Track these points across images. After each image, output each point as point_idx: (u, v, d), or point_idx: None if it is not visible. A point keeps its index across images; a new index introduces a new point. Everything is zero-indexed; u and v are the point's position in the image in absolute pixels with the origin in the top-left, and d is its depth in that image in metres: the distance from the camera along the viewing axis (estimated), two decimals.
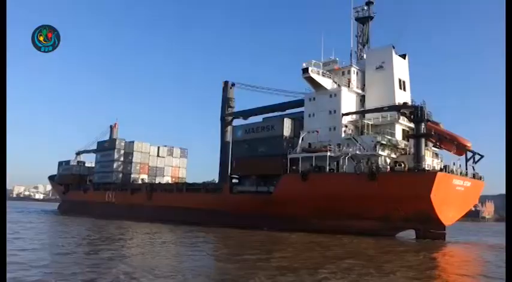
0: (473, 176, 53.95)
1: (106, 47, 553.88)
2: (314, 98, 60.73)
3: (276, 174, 58.36)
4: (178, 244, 37.20)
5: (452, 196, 49.12)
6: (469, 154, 54.57)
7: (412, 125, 55.76)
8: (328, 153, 53.93)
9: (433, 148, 56.84)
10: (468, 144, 53.78)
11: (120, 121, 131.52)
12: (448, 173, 48.84)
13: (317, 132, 57.87)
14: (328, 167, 54.00)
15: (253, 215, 57.76)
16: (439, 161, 55.84)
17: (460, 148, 53.73)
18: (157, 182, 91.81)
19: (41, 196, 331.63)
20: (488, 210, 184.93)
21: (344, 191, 50.04)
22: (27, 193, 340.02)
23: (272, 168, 58.90)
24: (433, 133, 51.71)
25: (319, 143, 57.50)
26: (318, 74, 58.86)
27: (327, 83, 59.30)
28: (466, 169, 53.46)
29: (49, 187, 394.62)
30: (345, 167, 52.43)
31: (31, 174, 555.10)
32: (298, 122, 62.03)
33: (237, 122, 79.69)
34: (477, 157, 54.32)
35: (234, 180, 68.61)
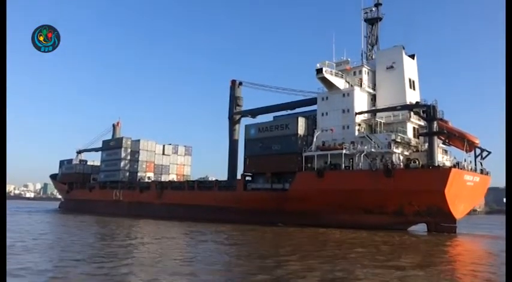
0: (481, 172, 56.58)
1: (107, 45, 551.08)
2: (327, 98, 62.59)
3: (291, 171, 60.14)
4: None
5: (463, 191, 51.58)
6: (477, 150, 57.19)
7: (422, 123, 58.24)
8: (344, 151, 55.94)
9: (442, 145, 59.26)
10: (476, 141, 56.27)
11: (122, 119, 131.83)
12: (460, 169, 51.28)
13: (331, 130, 59.77)
14: (343, 165, 56.01)
15: (268, 211, 59.57)
16: (448, 157, 58.24)
17: (469, 145, 56.13)
18: (162, 180, 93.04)
19: (32, 195, 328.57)
20: (479, 203, 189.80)
21: (360, 187, 52.10)
22: (17, 192, 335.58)
23: (287, 166, 60.64)
24: (444, 131, 54.01)
25: (333, 141, 59.49)
26: (331, 74, 60.74)
27: (340, 83, 61.22)
28: (475, 165, 55.99)
29: (39, 185, 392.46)
30: (360, 164, 54.44)
31: (20, 173, 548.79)
32: (310, 121, 63.87)
33: (245, 120, 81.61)
34: (485, 153, 57.00)
35: (246, 178, 70.00)
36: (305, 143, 61.34)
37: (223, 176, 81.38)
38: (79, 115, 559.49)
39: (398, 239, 41.64)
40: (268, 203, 60.87)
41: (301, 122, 62.42)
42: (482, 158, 56.96)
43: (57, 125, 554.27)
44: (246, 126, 69.85)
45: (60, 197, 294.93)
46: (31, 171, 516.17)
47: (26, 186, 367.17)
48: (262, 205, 61.38)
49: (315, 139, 60.24)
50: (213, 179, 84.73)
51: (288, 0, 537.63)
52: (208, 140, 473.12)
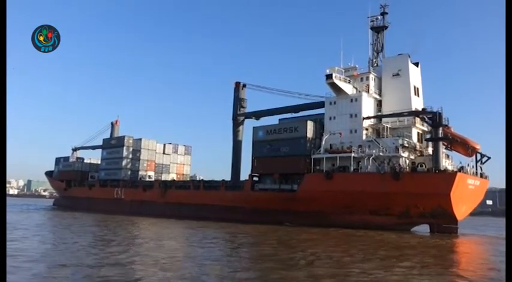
0: (481, 176, 59.62)
1: (107, 45, 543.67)
2: (335, 102, 64.78)
3: (299, 173, 62.10)
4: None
5: (466, 194, 54.48)
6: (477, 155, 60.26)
7: (425, 128, 61.00)
8: (352, 154, 58.17)
9: (444, 150, 62.00)
10: (477, 147, 59.28)
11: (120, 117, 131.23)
12: (464, 173, 54.10)
13: (340, 134, 61.96)
14: (351, 167, 58.26)
15: (275, 211, 61.46)
16: (451, 162, 61.10)
17: (470, 150, 59.05)
18: (163, 179, 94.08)
19: (16, 191, 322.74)
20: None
21: (369, 189, 54.37)
22: None
23: (296, 168, 62.60)
24: (449, 137, 56.76)
25: (340, 144, 61.69)
26: (340, 79, 62.98)
27: (348, 88, 63.56)
28: (476, 169, 58.98)
29: (22, 182, 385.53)
30: (369, 167, 56.75)
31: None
32: (318, 124, 65.95)
33: (248, 122, 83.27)
34: (484, 159, 60.06)
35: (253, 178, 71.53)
36: (313, 146, 63.39)
37: (213, 175, 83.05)
38: (68, 113, 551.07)
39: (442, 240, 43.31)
40: (276, 203, 62.71)
41: (310, 125, 64.42)
42: (482, 163, 59.99)
43: (44, 123, 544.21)
44: (254, 128, 71.50)
45: (44, 194, 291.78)
46: (14, 167, 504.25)
47: (9, 182, 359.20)
48: (269, 205, 63.20)
49: (323, 142, 62.35)
50: (201, 178, 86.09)
51: (288, 2, 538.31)
52: (202, 139, 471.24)
